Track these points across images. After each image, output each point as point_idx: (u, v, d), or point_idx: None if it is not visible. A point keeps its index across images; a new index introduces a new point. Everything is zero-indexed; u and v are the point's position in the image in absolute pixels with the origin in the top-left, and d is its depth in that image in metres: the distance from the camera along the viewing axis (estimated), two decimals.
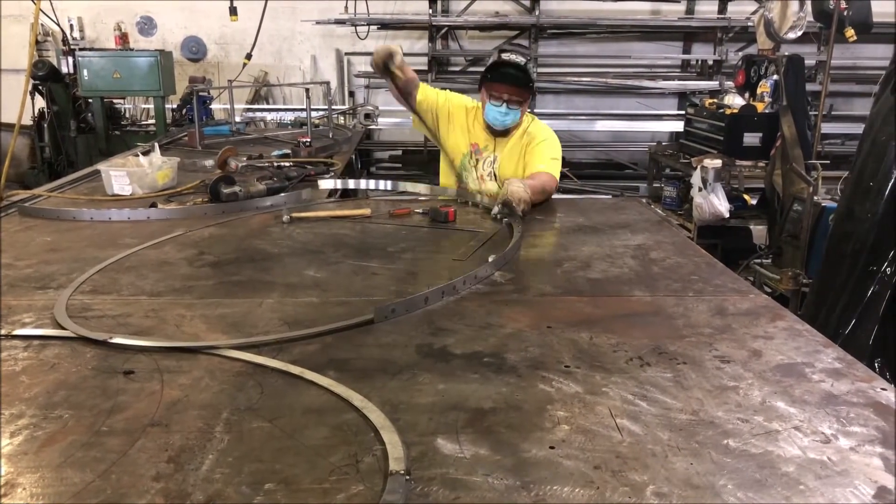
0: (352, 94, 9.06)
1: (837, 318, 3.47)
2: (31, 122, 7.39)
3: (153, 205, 3.05)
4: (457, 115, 3.44)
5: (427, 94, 3.44)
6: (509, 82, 3.20)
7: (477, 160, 3.40)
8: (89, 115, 7.27)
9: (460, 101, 3.48)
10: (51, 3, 7.39)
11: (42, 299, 2.01)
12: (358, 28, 8.46)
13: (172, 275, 2.25)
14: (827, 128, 7.55)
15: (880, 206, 3.39)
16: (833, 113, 8.33)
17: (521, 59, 3.27)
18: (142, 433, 1.32)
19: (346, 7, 8.29)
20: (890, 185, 3.37)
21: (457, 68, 9.22)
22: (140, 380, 1.53)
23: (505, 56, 3.25)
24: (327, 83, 6.36)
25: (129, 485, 1.17)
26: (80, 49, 7.39)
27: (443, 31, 8.72)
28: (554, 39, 8.97)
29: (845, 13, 4.87)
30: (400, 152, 8.88)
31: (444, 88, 3.61)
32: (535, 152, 3.32)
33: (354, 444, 1.28)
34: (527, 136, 3.37)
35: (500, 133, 3.34)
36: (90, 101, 7.14)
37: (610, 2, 8.68)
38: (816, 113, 5.35)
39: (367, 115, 6.89)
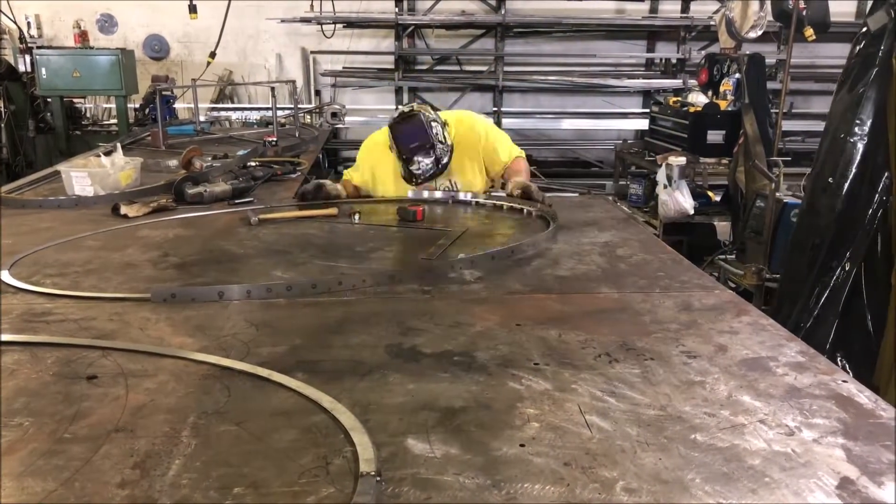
0: (318, 92, 8.98)
1: (799, 311, 3.54)
2: None
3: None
4: (381, 166, 3.28)
5: (357, 176, 3.37)
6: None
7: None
8: (48, 114, 7.11)
9: (377, 148, 3.28)
10: (7, 1, 7.22)
11: None
12: (324, 26, 8.40)
13: (136, 277, 2.21)
14: (787, 125, 7.68)
15: (838, 202, 3.46)
16: (793, 111, 8.49)
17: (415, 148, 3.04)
18: (106, 439, 1.29)
19: (312, 5, 8.22)
20: (848, 181, 3.45)
21: (423, 67, 9.20)
22: (104, 385, 1.50)
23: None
24: (293, 82, 6.31)
25: (94, 492, 1.14)
26: (38, 47, 7.22)
27: (409, 29, 8.69)
28: (520, 38, 9.01)
29: (804, 13, 4.96)
30: None
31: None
32: (493, 150, 3.32)
33: (324, 446, 1.27)
34: (469, 133, 3.28)
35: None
36: (49, 100, 6.98)
37: (575, 1, 8.74)
38: (777, 111, 5.45)
39: (334, 114, 6.86)
